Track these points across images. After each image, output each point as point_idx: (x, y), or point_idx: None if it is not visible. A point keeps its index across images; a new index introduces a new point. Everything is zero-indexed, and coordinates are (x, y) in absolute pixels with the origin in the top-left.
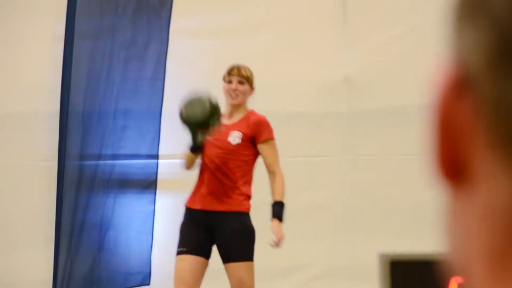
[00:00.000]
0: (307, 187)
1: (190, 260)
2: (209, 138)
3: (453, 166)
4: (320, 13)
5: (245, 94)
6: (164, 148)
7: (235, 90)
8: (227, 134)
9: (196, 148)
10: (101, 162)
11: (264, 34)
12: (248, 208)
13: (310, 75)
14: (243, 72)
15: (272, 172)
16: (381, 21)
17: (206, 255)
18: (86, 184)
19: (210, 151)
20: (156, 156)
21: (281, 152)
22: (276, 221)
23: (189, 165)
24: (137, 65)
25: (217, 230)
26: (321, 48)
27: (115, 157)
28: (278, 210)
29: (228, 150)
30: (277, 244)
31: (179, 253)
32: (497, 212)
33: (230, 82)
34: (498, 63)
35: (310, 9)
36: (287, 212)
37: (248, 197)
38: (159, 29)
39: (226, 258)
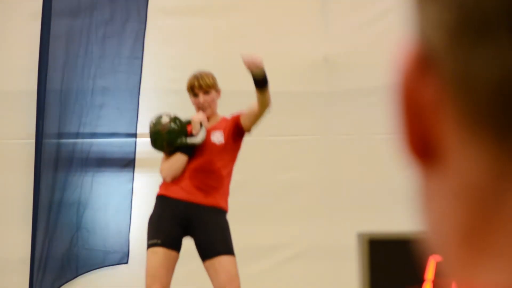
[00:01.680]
0: (286, 166)
1: (163, 253)
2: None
3: (422, 146)
4: None
5: (214, 101)
6: (142, 126)
7: (203, 103)
8: (209, 136)
9: (189, 151)
10: (79, 140)
11: (243, 13)
12: (227, 209)
13: (290, 54)
14: (205, 81)
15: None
16: (361, 0)
17: (178, 248)
18: (64, 163)
19: (196, 153)
20: (134, 135)
21: (260, 131)
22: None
23: (181, 171)
24: (115, 43)
25: (197, 224)
26: (301, 28)
27: (93, 135)
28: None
29: (213, 150)
30: (251, 59)
31: (152, 245)
32: (468, 189)
33: (196, 95)
34: (460, 38)
35: None
36: (265, 192)
37: (227, 196)
38: (137, 7)
39: (212, 252)
